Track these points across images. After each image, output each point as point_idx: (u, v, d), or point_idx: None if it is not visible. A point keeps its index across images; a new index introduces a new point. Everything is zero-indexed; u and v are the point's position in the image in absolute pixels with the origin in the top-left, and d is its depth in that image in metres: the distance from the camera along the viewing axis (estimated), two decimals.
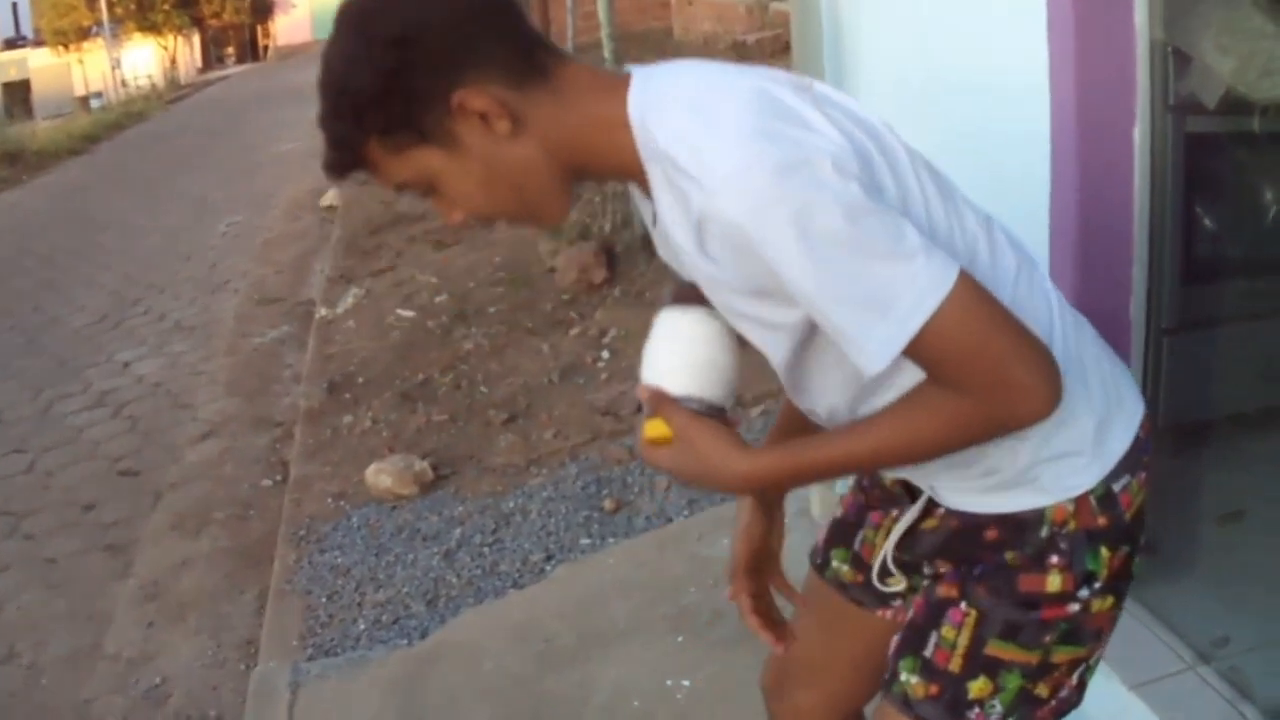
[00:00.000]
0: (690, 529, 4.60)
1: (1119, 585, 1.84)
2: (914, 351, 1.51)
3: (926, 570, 1.98)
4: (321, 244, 11.23)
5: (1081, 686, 1.89)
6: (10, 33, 62.79)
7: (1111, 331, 2.73)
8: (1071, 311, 1.86)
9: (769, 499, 2.09)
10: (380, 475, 5.57)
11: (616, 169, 1.71)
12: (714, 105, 1.57)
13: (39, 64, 59.39)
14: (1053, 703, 1.86)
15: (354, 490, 5.63)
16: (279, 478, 6.23)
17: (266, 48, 70.89)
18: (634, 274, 7.64)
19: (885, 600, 2.10)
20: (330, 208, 12.61)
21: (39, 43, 61.52)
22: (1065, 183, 2.77)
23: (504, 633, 4.19)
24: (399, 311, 8.16)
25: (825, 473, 1.74)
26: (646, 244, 7.72)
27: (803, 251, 1.47)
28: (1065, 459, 1.75)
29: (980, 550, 1.84)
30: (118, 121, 29.57)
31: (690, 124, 1.56)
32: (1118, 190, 2.74)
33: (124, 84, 48.82)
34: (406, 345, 7.47)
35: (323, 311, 8.63)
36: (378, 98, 1.62)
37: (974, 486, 1.81)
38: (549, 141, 1.67)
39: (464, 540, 4.99)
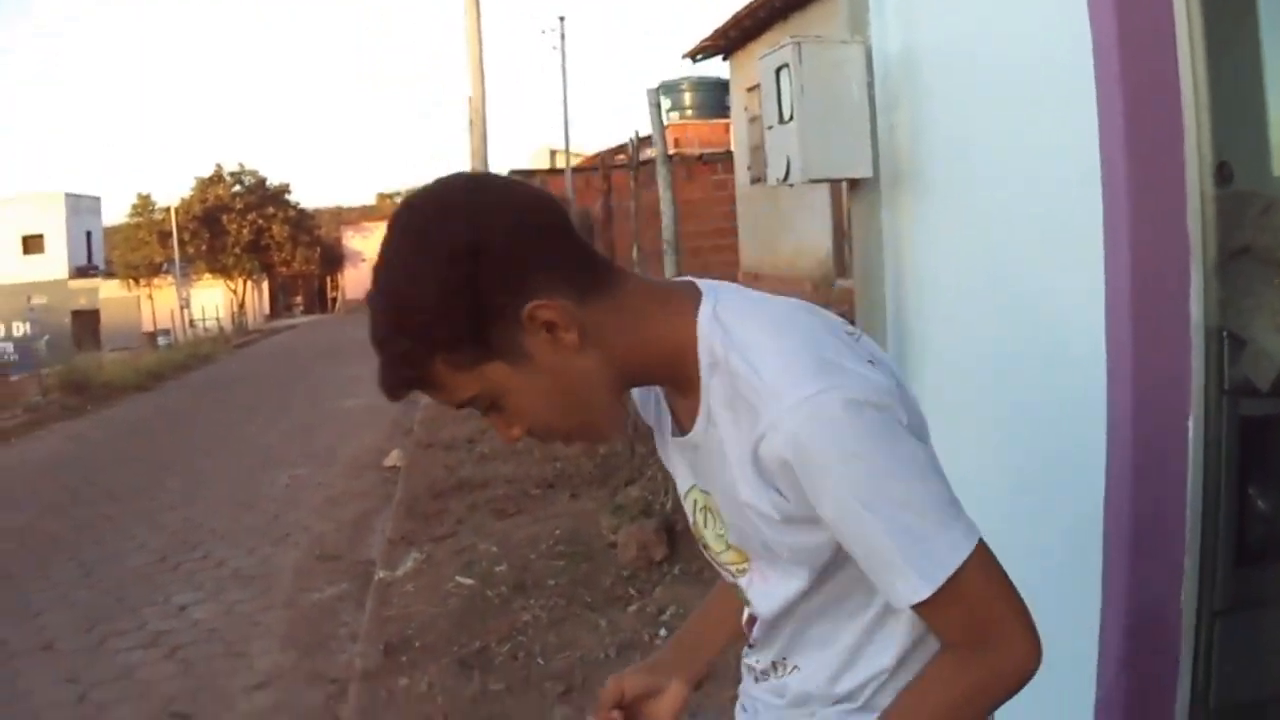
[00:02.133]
0: None
1: None
2: (938, 599, 1.63)
3: None
4: (383, 504, 11.49)
5: None
6: (83, 261, 64.55)
7: (1161, 614, 2.83)
8: None
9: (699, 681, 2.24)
10: None
11: (671, 378, 1.80)
12: (788, 332, 1.69)
13: (109, 295, 61.03)
14: None
15: None
16: None
17: (335, 300, 72.68)
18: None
19: None
20: (393, 468, 12.92)
21: (110, 274, 63.25)
22: (1121, 468, 2.87)
23: None
24: (459, 579, 8.31)
25: None
26: None
27: (857, 482, 1.61)
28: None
29: None
30: (185, 362, 30.38)
31: (765, 345, 1.67)
32: (1171, 476, 2.83)
33: (191, 323, 50.16)
34: (465, 612, 7.60)
35: (382, 573, 8.81)
36: (448, 313, 1.64)
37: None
38: (610, 352, 1.73)
39: None
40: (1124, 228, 2.81)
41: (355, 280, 71.39)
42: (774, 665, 2.00)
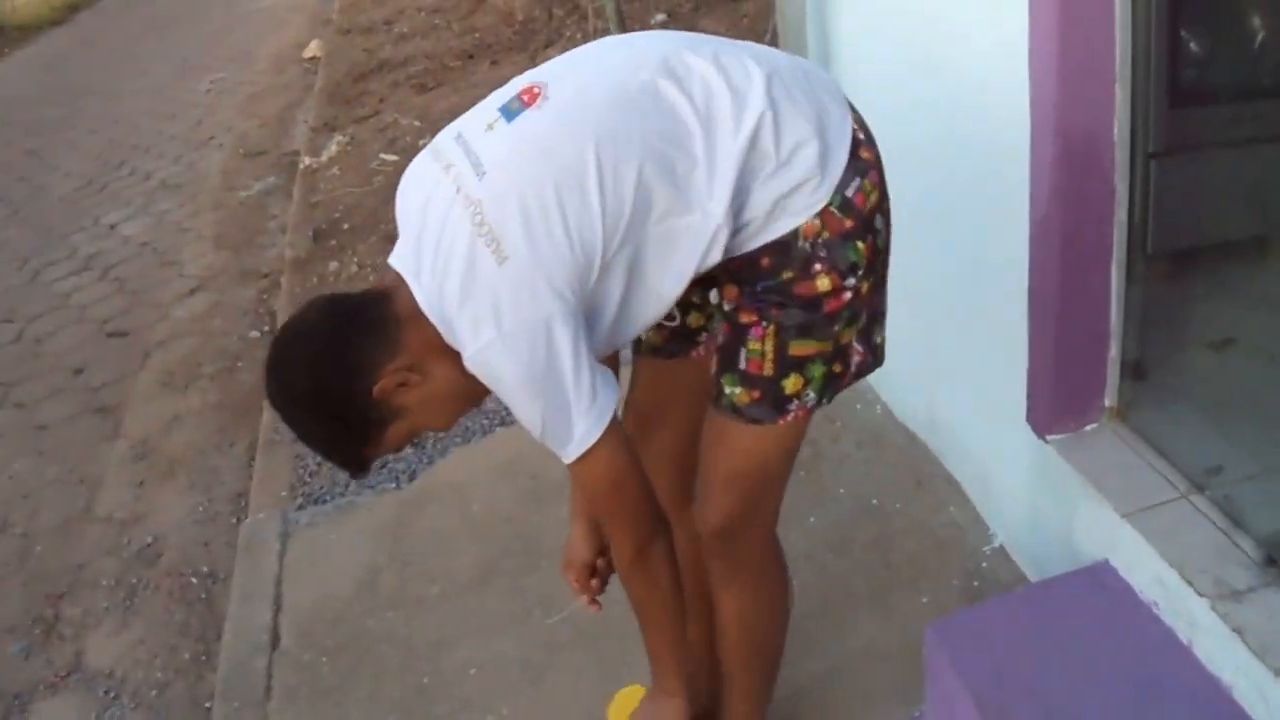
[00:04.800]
0: None
1: (876, 266, 2.17)
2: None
3: (714, 297, 2.34)
4: (305, 95, 10.89)
5: (874, 349, 2.29)
6: None
7: (1095, 153, 2.68)
8: (788, 65, 2.16)
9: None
10: None
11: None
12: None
13: None
14: (852, 371, 2.25)
15: None
16: (267, 328, 6.09)
17: None
18: None
19: (693, 341, 2.49)
20: (313, 58, 12.29)
21: None
22: (1043, 2, 2.62)
23: (491, 471, 4.10)
24: (383, 156, 7.95)
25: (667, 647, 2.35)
26: None
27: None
28: (800, 188, 2.04)
29: (760, 273, 2.12)
30: None
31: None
32: (1098, 11, 2.58)
33: None
34: (390, 189, 7.05)
35: (307, 160, 8.39)
36: (344, 441, 2.12)
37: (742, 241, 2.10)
38: (437, 352, 2.03)
39: None
40: None
41: None
42: None
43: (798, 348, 2.15)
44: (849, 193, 2.08)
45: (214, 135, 10.41)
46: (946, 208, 3.31)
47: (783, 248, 2.08)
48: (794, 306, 2.12)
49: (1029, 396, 3.06)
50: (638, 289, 2.07)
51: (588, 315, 2.02)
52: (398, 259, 2.11)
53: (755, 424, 2.22)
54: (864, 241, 2.11)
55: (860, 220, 2.10)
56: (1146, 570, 2.62)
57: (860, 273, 2.12)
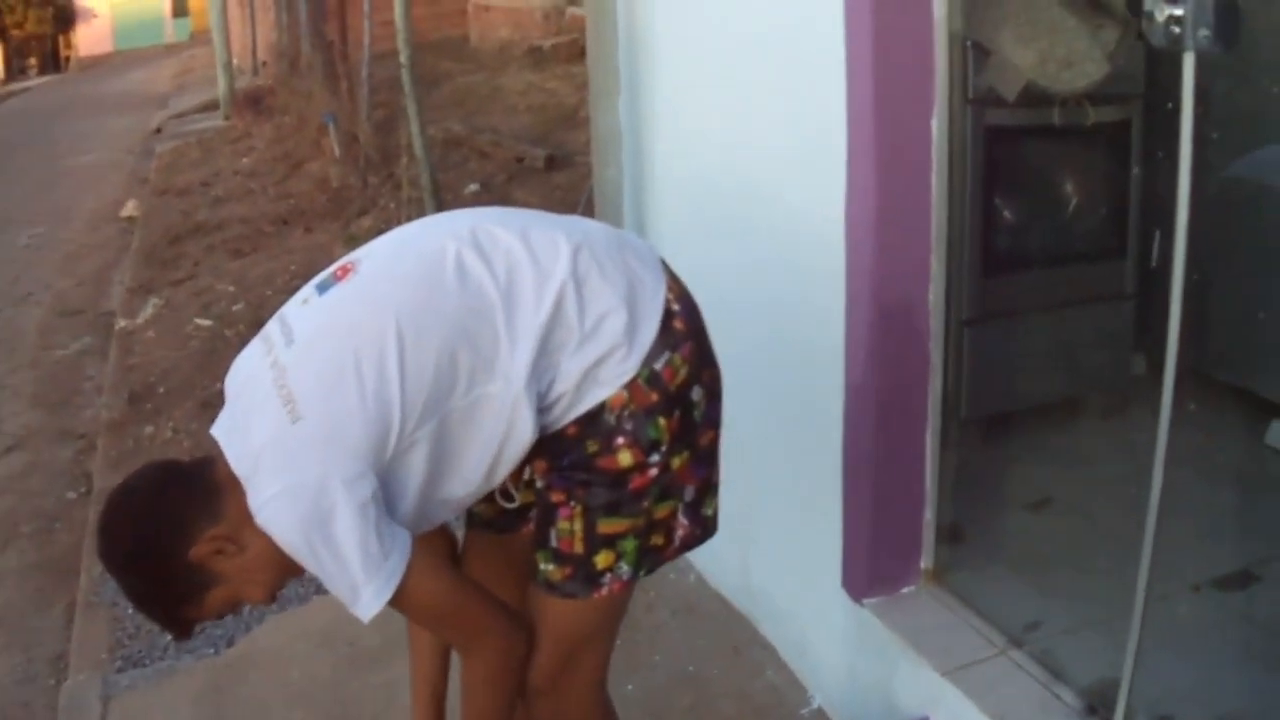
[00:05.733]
0: None
1: (690, 440, 2.15)
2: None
3: (526, 474, 2.28)
4: (122, 255, 10.85)
5: (703, 522, 2.26)
6: None
7: (911, 320, 2.76)
8: (603, 238, 2.20)
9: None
10: None
11: None
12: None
13: None
14: (675, 544, 2.24)
15: None
16: (84, 489, 6.05)
17: (69, 58, 68.35)
18: None
19: (524, 517, 2.43)
20: (130, 218, 12.27)
21: None
22: (861, 171, 2.73)
23: (309, 639, 4.14)
24: (198, 320, 7.99)
25: None
26: None
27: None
28: (607, 358, 2.05)
29: (566, 444, 2.12)
30: None
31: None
32: (915, 181, 2.71)
33: None
34: (206, 354, 7.31)
35: (123, 322, 8.40)
36: (159, 602, 2.10)
37: (556, 418, 2.10)
38: (253, 523, 1.99)
39: None
40: None
41: (87, 37, 67.13)
42: None
43: (606, 525, 2.14)
44: (658, 366, 2.08)
45: (31, 292, 10.29)
46: (763, 370, 3.28)
47: (590, 418, 2.07)
48: (599, 485, 2.11)
49: (844, 561, 3.09)
50: (445, 468, 2.07)
51: (390, 489, 2.01)
52: (218, 426, 2.12)
53: (570, 599, 2.21)
54: (667, 417, 2.09)
55: (665, 396, 2.09)
56: None
57: (664, 449, 2.10)
